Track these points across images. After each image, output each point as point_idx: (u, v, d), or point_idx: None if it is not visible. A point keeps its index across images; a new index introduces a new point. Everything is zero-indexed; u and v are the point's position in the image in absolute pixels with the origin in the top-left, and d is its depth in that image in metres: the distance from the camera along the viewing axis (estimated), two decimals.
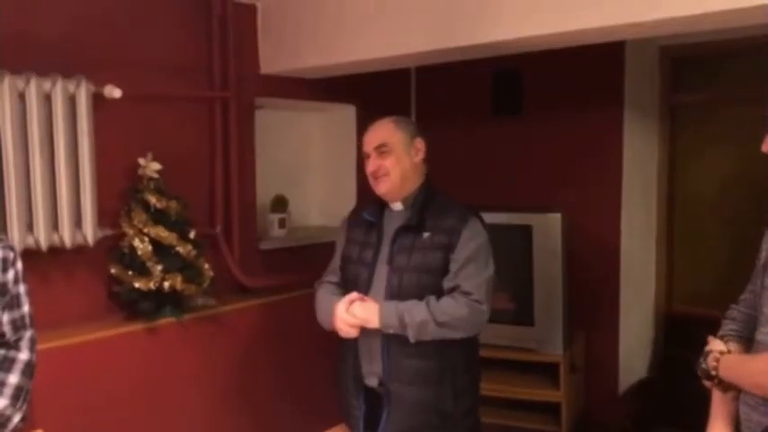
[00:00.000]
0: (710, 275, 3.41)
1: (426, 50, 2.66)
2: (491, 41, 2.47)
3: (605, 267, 3.45)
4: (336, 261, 2.34)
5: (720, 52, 3.26)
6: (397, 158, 2.13)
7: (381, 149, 2.14)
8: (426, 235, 2.10)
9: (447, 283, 2.08)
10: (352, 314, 2.09)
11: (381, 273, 2.15)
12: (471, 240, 2.08)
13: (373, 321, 2.07)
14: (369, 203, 2.31)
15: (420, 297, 2.07)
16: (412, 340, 2.04)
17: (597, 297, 3.48)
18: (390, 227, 2.18)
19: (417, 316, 2.02)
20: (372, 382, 2.19)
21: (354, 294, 2.13)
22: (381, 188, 2.16)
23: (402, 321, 2.02)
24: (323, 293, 2.28)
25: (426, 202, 2.15)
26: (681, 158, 3.52)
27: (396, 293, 2.09)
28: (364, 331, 2.12)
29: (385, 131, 2.16)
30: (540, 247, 3.19)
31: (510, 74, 3.65)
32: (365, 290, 2.16)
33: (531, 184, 3.64)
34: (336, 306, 2.13)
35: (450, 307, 2.03)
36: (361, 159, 2.27)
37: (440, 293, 2.08)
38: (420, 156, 2.20)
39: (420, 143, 2.19)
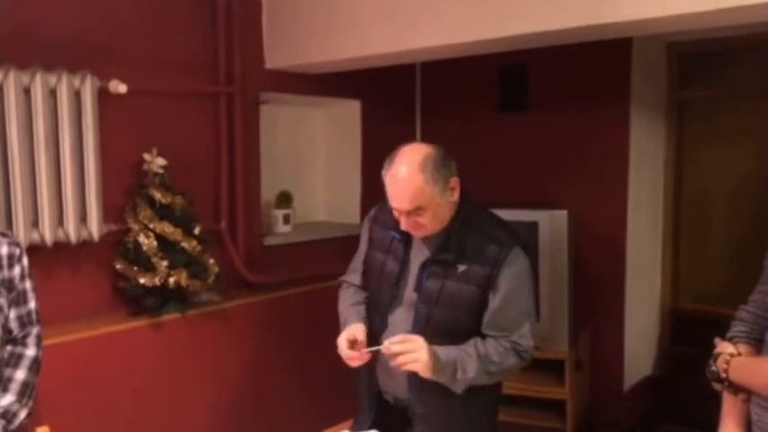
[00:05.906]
0: (717, 273, 3.40)
1: (434, 46, 2.64)
2: (499, 37, 2.45)
3: (611, 264, 3.44)
4: (358, 263, 2.16)
5: (728, 48, 3.23)
6: (433, 213, 1.86)
7: (416, 212, 1.84)
8: (461, 268, 1.89)
9: (489, 330, 1.90)
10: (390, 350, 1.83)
11: (407, 295, 1.97)
12: (511, 279, 1.88)
13: (419, 370, 1.83)
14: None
15: (449, 331, 1.90)
16: (458, 392, 1.89)
17: (603, 294, 3.47)
18: (420, 246, 1.96)
19: (470, 371, 1.85)
20: (389, 397, 2.08)
21: (359, 335, 1.94)
22: (417, 235, 1.94)
23: (453, 376, 1.86)
24: (343, 301, 2.15)
25: (462, 231, 1.92)
26: (687, 155, 3.50)
27: (422, 329, 1.89)
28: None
29: (416, 193, 1.81)
30: (545, 244, 3.16)
31: (516, 69, 3.63)
32: (386, 311, 1.99)
33: (536, 180, 3.63)
34: (340, 337, 1.96)
35: (498, 355, 1.89)
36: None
37: (470, 328, 1.91)
38: (456, 194, 1.90)
39: (455, 182, 1.89)
